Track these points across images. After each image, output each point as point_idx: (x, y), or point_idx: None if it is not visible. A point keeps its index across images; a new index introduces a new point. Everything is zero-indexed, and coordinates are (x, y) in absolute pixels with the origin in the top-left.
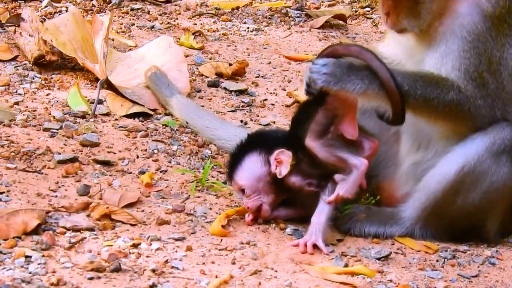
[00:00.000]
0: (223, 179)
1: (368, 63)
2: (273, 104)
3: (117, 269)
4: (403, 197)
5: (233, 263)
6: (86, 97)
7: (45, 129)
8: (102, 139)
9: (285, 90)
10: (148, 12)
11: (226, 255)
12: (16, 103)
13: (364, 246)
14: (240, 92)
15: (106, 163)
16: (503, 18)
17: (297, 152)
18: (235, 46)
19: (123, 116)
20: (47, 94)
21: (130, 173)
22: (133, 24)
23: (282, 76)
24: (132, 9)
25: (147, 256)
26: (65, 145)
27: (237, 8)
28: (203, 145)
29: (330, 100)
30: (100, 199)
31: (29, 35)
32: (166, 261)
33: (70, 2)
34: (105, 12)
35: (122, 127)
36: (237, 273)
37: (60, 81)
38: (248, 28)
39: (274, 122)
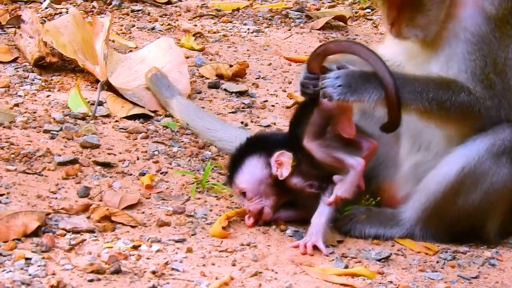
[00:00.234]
0: (224, 180)
1: (361, 57)
2: (273, 106)
3: (117, 271)
4: (404, 198)
5: (234, 265)
6: (87, 98)
7: (45, 131)
8: (102, 141)
9: (285, 91)
10: (149, 14)
11: (227, 256)
12: (16, 105)
13: (364, 248)
14: (241, 94)
15: (106, 165)
16: (506, 19)
17: (297, 153)
18: (236, 48)
19: (124, 117)
20: (47, 96)
21: (131, 174)
22: (133, 26)
23: (282, 78)
24: (132, 11)
25: (147, 258)
26: (65, 146)
27: (238, 9)
28: (203, 147)
29: (324, 100)
30: (100, 200)
31: (30, 37)
32: (166, 263)
33: (70, 4)
34: (105, 13)
35: (122, 128)
36: (238, 275)
37: (60, 82)
38: (248, 29)
39: (274, 124)
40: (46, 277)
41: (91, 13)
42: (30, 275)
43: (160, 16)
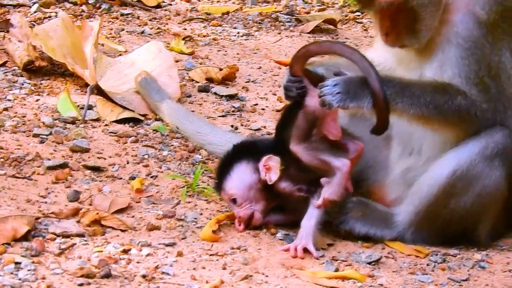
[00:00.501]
0: (214, 184)
1: (344, 56)
2: (263, 109)
3: (107, 275)
4: (393, 202)
5: (224, 268)
6: (76, 102)
7: (35, 135)
8: (92, 145)
9: (275, 94)
10: (138, 17)
11: (217, 260)
12: (6, 109)
13: (354, 251)
14: (231, 97)
15: (96, 169)
16: (497, 24)
17: (284, 157)
18: (225, 51)
19: (113, 121)
20: (37, 100)
21: (121, 178)
22: (123, 29)
23: (272, 81)
24: (122, 14)
25: (138, 262)
26: (55, 151)
27: (227, 13)
28: (193, 150)
29: (308, 102)
30: (90, 205)
31: (19, 41)
32: (157, 267)
33: (59, 8)
34: (94, 17)
35: (112, 132)
36: (228, 278)
37: (49, 86)
38: (238, 33)
39: (264, 127)
40: (36, 282)
41: (80, 17)
42: (20, 279)
43: (150, 20)
